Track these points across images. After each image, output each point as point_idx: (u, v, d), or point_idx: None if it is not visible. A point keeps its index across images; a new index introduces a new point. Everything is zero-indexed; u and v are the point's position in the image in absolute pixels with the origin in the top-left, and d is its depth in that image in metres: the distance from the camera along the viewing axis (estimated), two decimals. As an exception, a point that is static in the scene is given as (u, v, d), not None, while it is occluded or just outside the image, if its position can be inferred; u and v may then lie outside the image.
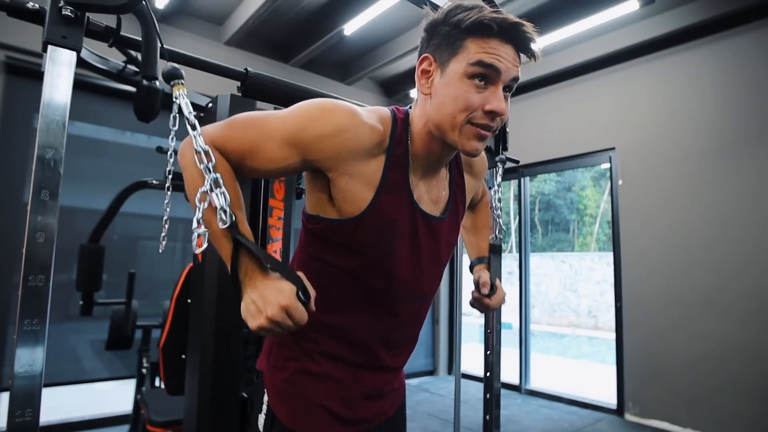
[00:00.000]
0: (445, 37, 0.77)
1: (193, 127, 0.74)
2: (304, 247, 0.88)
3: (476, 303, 1.04)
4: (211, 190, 0.69)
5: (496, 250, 1.14)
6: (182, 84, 0.83)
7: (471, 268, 1.13)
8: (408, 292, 0.87)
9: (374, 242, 0.80)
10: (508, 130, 1.52)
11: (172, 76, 0.83)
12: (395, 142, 0.81)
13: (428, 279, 0.90)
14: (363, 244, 0.80)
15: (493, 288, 1.02)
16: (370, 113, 0.80)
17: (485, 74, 0.74)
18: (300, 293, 0.67)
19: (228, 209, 0.69)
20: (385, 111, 0.84)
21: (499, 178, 1.28)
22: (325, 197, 0.80)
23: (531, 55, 0.78)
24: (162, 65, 0.92)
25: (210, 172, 0.70)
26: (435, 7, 0.85)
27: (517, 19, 0.74)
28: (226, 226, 0.69)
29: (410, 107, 0.87)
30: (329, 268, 0.84)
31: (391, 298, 0.85)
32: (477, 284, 1.04)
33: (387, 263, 0.82)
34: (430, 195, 0.87)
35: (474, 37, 0.74)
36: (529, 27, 0.74)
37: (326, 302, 0.80)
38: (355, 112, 0.77)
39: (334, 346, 0.86)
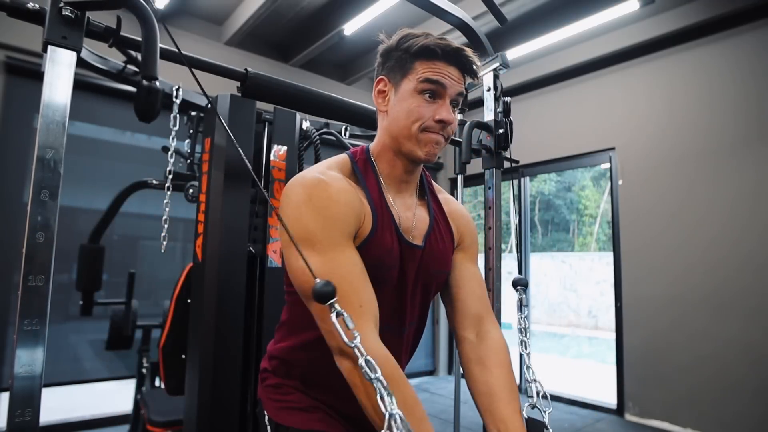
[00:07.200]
0: (398, 60, 0.86)
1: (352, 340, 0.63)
2: (290, 288, 0.89)
3: None
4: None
5: (537, 428, 0.84)
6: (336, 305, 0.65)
7: None
8: (391, 320, 0.88)
9: (371, 273, 0.81)
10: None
11: (325, 296, 0.65)
12: (363, 174, 0.88)
13: (411, 308, 0.91)
14: None
15: None
16: (330, 169, 0.85)
17: (433, 90, 0.84)
18: None
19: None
20: (340, 156, 0.92)
21: (525, 306, 1.08)
22: None
23: (473, 75, 0.88)
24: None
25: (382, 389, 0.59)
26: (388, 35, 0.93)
27: (459, 45, 0.85)
28: None
29: (368, 144, 0.95)
30: None
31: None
32: None
33: (376, 292, 0.83)
34: (406, 214, 0.91)
35: (421, 60, 0.84)
36: (469, 51, 0.86)
37: (315, 340, 0.82)
38: (323, 180, 0.80)
39: (321, 380, 0.89)
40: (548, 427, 0.85)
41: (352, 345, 0.62)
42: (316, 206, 0.78)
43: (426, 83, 0.83)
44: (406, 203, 0.92)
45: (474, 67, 0.86)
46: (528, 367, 0.96)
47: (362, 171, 0.88)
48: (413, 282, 0.90)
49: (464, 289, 0.96)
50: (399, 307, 0.88)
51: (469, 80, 0.89)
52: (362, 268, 0.78)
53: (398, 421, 0.56)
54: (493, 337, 0.93)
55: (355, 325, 0.65)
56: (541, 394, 0.90)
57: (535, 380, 0.92)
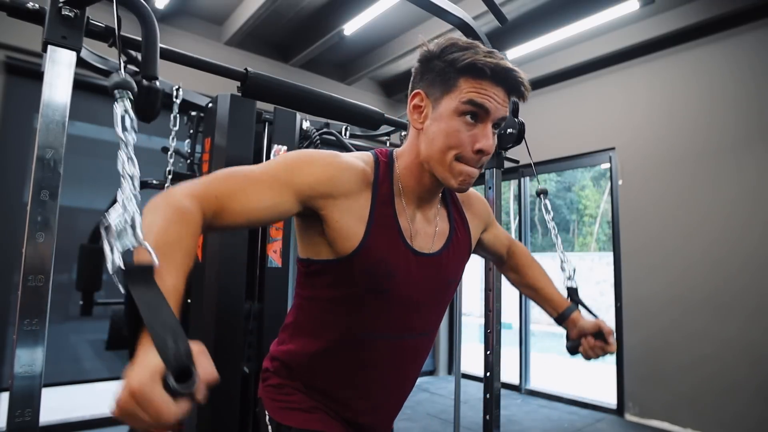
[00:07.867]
0: (439, 73, 0.79)
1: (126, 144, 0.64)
2: (300, 291, 0.89)
3: (599, 351, 1.03)
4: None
5: (575, 293, 1.17)
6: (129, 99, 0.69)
7: (560, 321, 1.11)
8: (399, 331, 0.86)
9: (367, 280, 0.80)
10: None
11: (118, 86, 0.68)
12: (379, 179, 0.84)
13: (422, 319, 0.89)
14: (356, 283, 0.81)
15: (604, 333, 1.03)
16: (352, 155, 0.85)
17: (475, 113, 0.77)
18: (170, 377, 0.42)
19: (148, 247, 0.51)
20: (367, 153, 0.89)
21: (549, 212, 1.37)
22: (318, 239, 0.81)
23: (521, 97, 0.81)
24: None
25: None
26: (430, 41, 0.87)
27: (509, 65, 0.78)
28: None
29: (394, 149, 0.91)
30: (323, 311, 0.85)
31: (382, 336, 0.85)
32: (599, 334, 1.02)
33: (380, 301, 0.83)
34: (425, 229, 0.88)
35: (467, 77, 0.77)
36: (520, 72, 0.78)
37: (320, 347, 0.85)
38: (338, 154, 0.82)
39: (323, 385, 0.88)
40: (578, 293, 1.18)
41: (123, 138, 0.63)
42: (303, 161, 0.78)
43: (469, 105, 0.76)
44: (429, 215, 0.90)
45: (523, 89, 0.79)
46: (563, 252, 1.29)
47: (381, 175, 0.85)
48: (427, 292, 0.87)
49: (498, 245, 1.13)
50: (405, 317, 0.86)
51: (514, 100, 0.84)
52: (266, 208, 0.73)
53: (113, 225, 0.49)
54: (517, 251, 1.18)
55: (198, 190, 0.66)
56: (574, 269, 1.23)
57: (567, 261, 1.25)
